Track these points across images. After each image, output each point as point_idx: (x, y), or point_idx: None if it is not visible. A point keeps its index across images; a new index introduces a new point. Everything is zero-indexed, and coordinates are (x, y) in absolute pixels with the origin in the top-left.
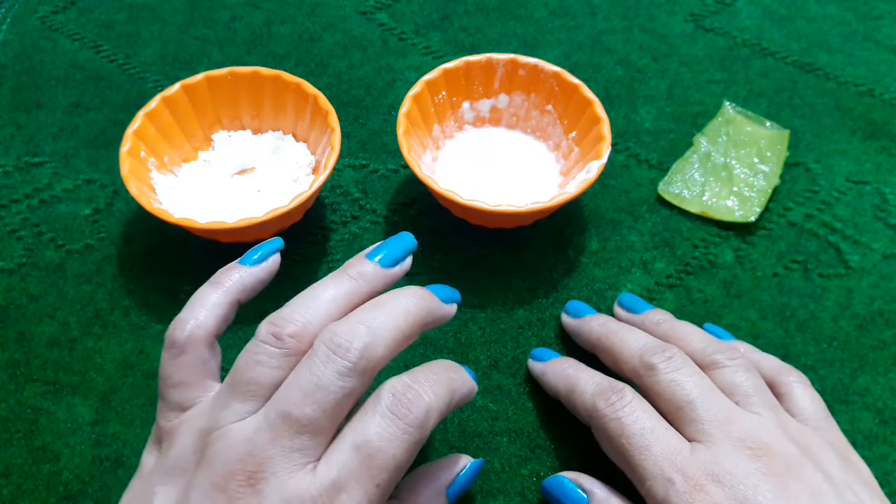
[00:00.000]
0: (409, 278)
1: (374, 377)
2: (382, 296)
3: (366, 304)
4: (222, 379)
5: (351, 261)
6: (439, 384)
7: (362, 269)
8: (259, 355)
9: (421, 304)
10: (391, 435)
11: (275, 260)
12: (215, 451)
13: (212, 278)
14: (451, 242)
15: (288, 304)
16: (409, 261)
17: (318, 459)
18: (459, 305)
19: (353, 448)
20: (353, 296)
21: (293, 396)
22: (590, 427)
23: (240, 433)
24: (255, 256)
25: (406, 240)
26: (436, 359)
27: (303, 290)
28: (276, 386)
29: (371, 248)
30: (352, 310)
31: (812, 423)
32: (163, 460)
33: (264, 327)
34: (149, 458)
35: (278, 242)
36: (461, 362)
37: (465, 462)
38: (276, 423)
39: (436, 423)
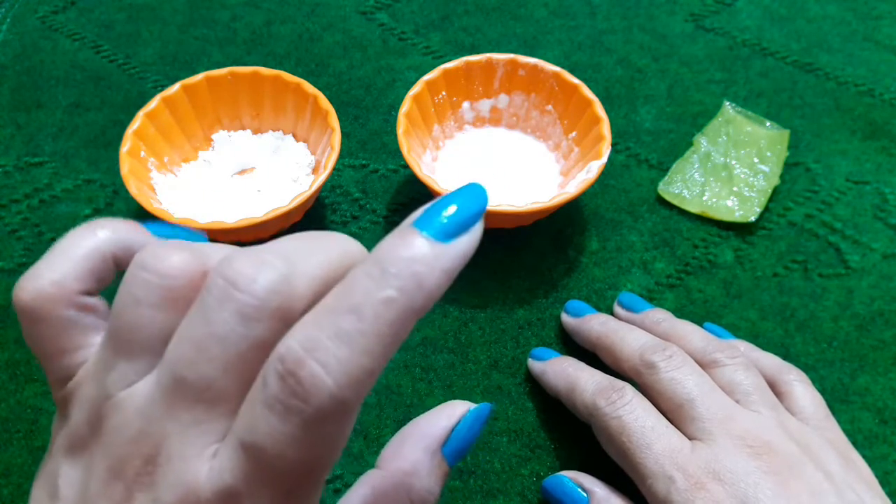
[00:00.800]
0: None
1: (292, 323)
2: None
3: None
4: None
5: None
6: (361, 335)
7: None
8: (135, 287)
9: (359, 248)
10: (286, 436)
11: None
12: (108, 428)
13: (91, 222)
14: None
15: None
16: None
17: (224, 437)
18: (459, 306)
19: (242, 449)
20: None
21: (185, 353)
22: (590, 426)
23: (132, 405)
24: (167, 230)
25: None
26: (436, 359)
27: None
28: (169, 334)
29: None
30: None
31: (812, 422)
32: (62, 437)
33: (144, 250)
34: (55, 432)
35: (201, 238)
36: (461, 362)
37: (461, 410)
38: (169, 390)
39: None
